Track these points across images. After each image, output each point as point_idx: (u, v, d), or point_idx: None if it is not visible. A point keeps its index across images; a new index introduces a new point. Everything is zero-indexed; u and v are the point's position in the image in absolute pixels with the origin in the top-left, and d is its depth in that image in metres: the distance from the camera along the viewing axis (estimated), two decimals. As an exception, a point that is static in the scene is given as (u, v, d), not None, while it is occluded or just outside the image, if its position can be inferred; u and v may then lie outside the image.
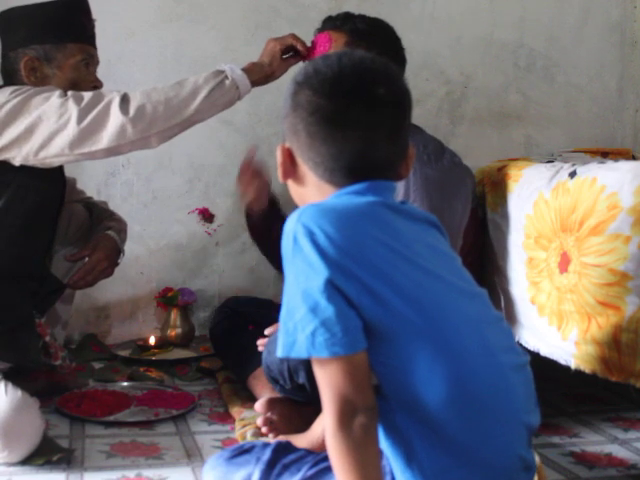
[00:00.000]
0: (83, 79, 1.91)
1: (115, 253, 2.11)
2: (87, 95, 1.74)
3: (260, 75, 1.89)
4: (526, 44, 2.89)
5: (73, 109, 1.70)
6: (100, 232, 2.12)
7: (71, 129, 1.70)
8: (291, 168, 1.21)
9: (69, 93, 1.75)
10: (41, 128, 1.71)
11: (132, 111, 1.71)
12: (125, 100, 1.72)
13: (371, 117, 1.14)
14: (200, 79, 1.78)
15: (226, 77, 1.80)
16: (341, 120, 1.14)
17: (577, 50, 2.94)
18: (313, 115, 1.15)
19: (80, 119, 1.70)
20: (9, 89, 1.76)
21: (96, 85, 1.92)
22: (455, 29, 2.83)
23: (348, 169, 1.15)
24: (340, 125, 1.14)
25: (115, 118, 1.70)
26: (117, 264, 2.13)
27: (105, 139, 1.71)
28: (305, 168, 1.19)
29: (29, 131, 1.71)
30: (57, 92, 1.74)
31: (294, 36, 1.94)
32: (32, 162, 1.74)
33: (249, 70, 1.86)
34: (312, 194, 1.19)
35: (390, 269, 1.07)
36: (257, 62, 1.91)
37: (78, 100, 1.72)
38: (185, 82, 1.78)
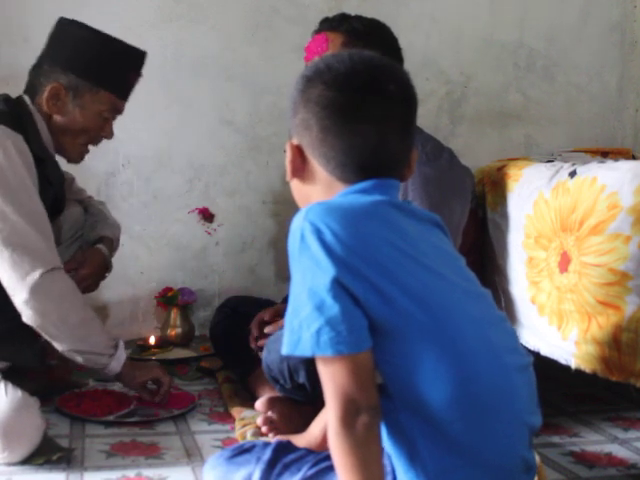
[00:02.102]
0: (95, 130, 1.88)
1: (102, 269, 2.08)
2: None
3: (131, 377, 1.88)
4: (526, 44, 2.89)
5: None
6: (91, 241, 2.10)
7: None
8: (301, 165, 1.20)
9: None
10: None
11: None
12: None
13: (384, 111, 1.15)
14: (101, 348, 1.79)
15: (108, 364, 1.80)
16: (354, 113, 1.14)
17: (577, 50, 2.94)
18: (326, 109, 1.15)
19: None
20: None
21: (104, 137, 1.91)
22: (455, 29, 2.83)
23: (359, 165, 1.15)
24: (353, 118, 1.14)
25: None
26: (104, 278, 2.11)
27: None
28: (315, 164, 1.18)
29: None
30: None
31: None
32: None
33: (126, 372, 1.85)
34: (319, 192, 1.19)
35: (397, 268, 1.07)
36: (135, 369, 1.89)
37: None
38: (94, 338, 1.78)
